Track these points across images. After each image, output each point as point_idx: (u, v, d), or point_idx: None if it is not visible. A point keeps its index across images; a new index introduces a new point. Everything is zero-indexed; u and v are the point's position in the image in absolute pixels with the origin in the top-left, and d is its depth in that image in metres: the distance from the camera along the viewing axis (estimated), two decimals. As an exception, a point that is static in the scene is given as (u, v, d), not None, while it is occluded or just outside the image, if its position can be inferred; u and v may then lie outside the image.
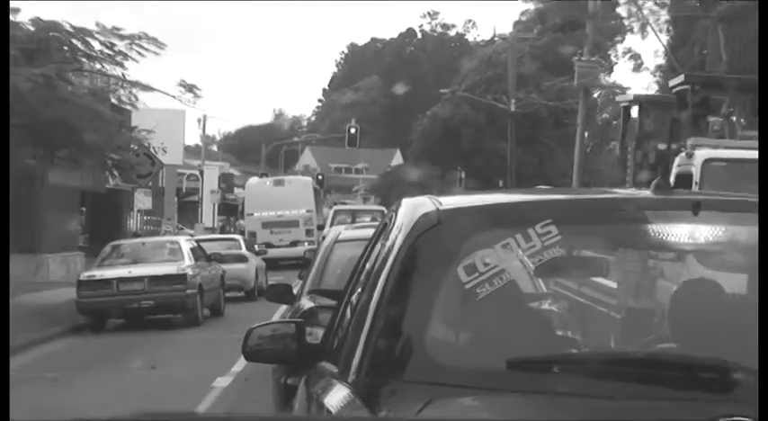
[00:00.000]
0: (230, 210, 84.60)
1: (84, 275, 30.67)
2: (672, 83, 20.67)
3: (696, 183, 13.98)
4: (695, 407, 4.21)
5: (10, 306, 30.76)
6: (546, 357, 4.54)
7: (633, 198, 5.44)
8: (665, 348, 4.82)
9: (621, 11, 71.22)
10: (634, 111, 24.15)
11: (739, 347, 4.56)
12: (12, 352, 24.11)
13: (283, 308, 17.39)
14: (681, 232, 4.99)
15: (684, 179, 14.54)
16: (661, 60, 66.28)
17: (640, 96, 25.91)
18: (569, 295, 5.24)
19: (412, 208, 5.08)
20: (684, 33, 58.06)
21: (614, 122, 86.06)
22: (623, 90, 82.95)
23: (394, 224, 5.16)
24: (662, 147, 18.52)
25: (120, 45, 32.42)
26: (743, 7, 45.89)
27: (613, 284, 5.29)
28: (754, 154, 13.71)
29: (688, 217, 4.86)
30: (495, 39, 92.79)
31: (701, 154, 14.69)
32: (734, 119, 19.71)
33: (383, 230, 5.53)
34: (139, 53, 32.64)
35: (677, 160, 15.63)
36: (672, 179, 15.09)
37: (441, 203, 4.98)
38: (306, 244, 51.78)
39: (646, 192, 5.11)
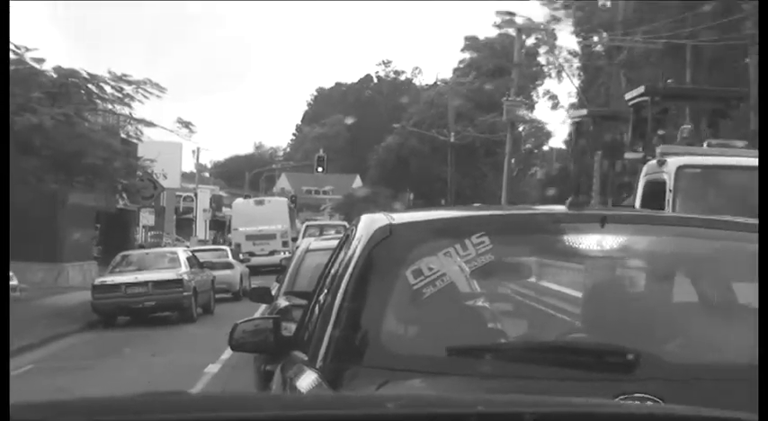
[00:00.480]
0: (219, 226, 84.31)
1: (98, 281, 30.76)
2: (629, 95, 18.20)
3: (670, 190, 12.12)
4: (602, 385, 4.20)
5: (34, 306, 30.77)
6: (479, 346, 4.53)
7: (551, 213, 5.43)
8: (578, 337, 4.82)
9: (541, 59, 71.85)
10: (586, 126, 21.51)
11: (640, 336, 4.58)
12: (37, 345, 24.11)
13: (263, 306, 17.32)
14: (591, 241, 4.99)
15: (656, 186, 12.70)
16: (574, 100, 66.57)
17: (594, 111, 23.40)
18: (500, 294, 5.25)
19: (369, 222, 5.06)
20: (593, 77, 58.41)
21: (536, 150, 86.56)
22: (543, 124, 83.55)
23: (354, 236, 5.14)
24: (629, 156, 16.05)
25: (128, 89, 32.42)
26: (639, 55, 46.22)
27: (537, 284, 5.30)
28: (727, 160, 12.52)
29: (597, 228, 4.86)
30: (438, 82, 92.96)
31: (675, 161, 12.56)
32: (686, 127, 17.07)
33: (345, 241, 5.51)
34: (144, 96, 32.65)
35: (645, 169, 13.51)
36: (640, 187, 13.38)
37: (393, 219, 4.95)
38: (282, 253, 51.73)
39: (562, 208, 5.11)
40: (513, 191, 57.74)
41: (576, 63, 66.20)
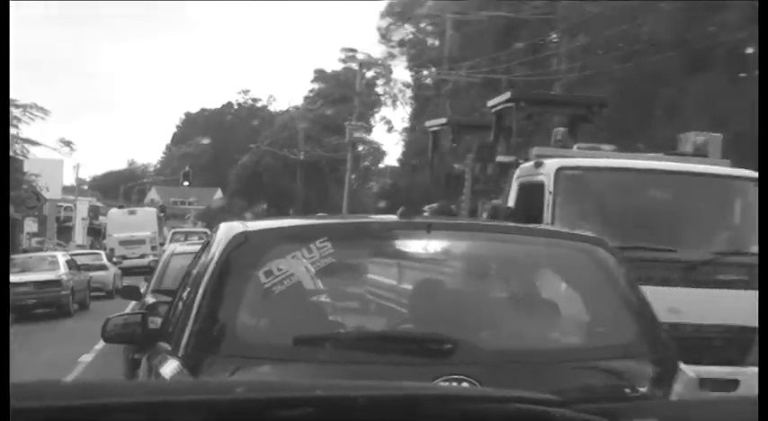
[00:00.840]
0: (96, 232, 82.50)
1: (-15, 281, 29.99)
2: (492, 102, 15.93)
3: (550, 192, 10.43)
4: (426, 370, 4.24)
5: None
6: (321, 335, 4.54)
7: (385, 222, 5.46)
8: (405, 328, 4.86)
9: (379, 90, 72.36)
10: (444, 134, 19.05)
11: (458, 326, 4.64)
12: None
13: (133, 303, 17.03)
14: (418, 245, 5.03)
15: (531, 189, 11.01)
16: (406, 124, 67.24)
17: (454, 119, 20.68)
18: (340, 290, 5.25)
19: (227, 229, 5.03)
20: (423, 106, 58.99)
21: (373, 167, 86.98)
22: (379, 145, 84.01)
23: (214, 241, 5.10)
24: (501, 159, 13.62)
25: (16, 112, 31.80)
26: (462, 87, 46.89)
27: (373, 282, 5.32)
28: (606, 162, 11.09)
29: (423, 234, 4.91)
30: (290, 109, 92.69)
31: (553, 163, 10.78)
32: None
33: (206, 246, 5.47)
34: (30, 118, 32.05)
35: (518, 172, 11.70)
36: (514, 190, 11.63)
37: (248, 226, 4.94)
38: (150, 256, 50.92)
39: (394, 217, 5.14)
40: (353, 202, 58.06)
41: (409, 93, 66.95)
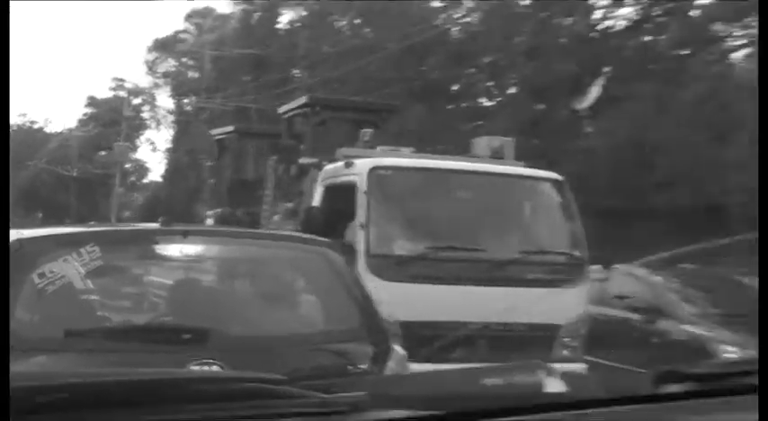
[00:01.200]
0: None
1: None
2: (286, 108, 14.23)
3: (364, 192, 9.13)
4: (181, 356, 4.25)
5: None
6: (89, 329, 4.47)
7: (148, 229, 5.43)
8: (164, 320, 4.85)
9: (145, 115, 71.22)
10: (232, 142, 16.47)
11: (210, 318, 4.67)
12: None
13: None
14: (176, 249, 5.04)
15: (340, 190, 9.65)
16: (169, 145, 66.41)
17: (241, 127, 18.48)
18: (108, 289, 5.17)
19: None
20: (184, 129, 58.34)
21: (138, 183, 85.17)
22: (144, 163, 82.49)
23: (-7, 248, 4.92)
24: (304, 161, 11.89)
25: None
26: (218, 114, 46.62)
27: (138, 281, 5.27)
28: (419, 162, 9.91)
29: (180, 239, 4.93)
30: (64, 131, 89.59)
31: (366, 162, 9.47)
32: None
33: (-17, 252, 5.27)
34: None
35: (323, 173, 10.31)
36: (319, 192, 10.22)
37: (23, 234, 4.80)
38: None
39: (156, 225, 5.12)
40: (121, 213, 56.84)
41: (172, 118, 66.23)
